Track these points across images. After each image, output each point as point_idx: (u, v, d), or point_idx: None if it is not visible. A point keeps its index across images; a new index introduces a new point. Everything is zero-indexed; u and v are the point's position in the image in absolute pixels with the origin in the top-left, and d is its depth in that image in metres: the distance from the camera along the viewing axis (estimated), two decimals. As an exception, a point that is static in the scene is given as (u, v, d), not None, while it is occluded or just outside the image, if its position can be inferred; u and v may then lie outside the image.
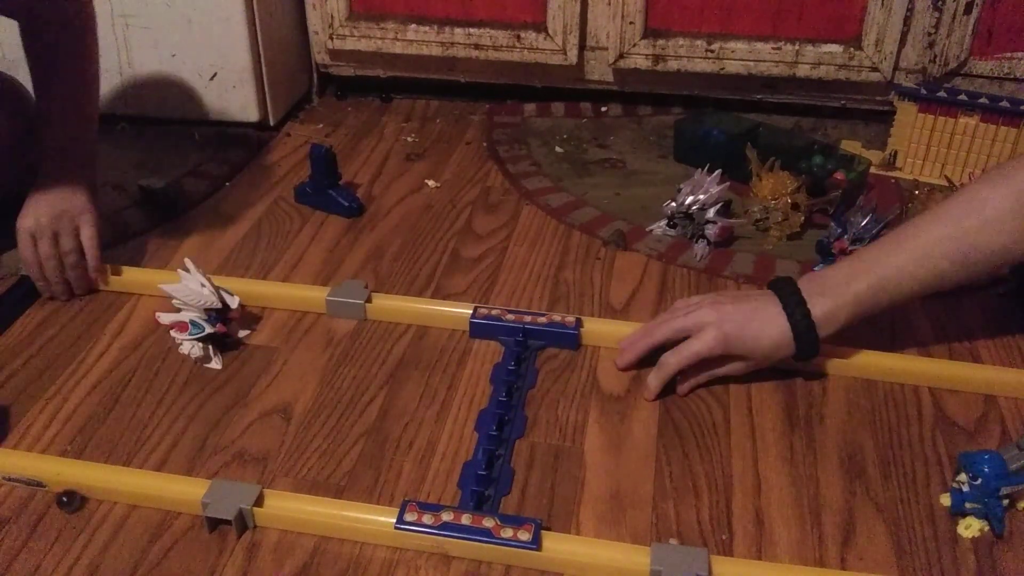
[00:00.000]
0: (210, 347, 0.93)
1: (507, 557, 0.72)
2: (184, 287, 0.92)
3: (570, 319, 0.96)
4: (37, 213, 0.99)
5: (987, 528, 0.74)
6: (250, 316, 0.99)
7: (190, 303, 0.92)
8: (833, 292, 0.84)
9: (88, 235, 1.00)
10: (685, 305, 0.89)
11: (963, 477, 0.75)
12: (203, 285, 0.92)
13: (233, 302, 0.94)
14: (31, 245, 0.99)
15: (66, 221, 0.99)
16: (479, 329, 0.96)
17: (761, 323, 0.85)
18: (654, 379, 0.88)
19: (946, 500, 0.77)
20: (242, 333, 0.96)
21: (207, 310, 0.92)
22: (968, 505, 0.75)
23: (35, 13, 1.03)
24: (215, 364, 0.92)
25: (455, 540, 0.72)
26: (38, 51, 1.04)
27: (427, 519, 0.72)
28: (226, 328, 0.93)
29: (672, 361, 0.87)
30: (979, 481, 0.73)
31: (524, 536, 0.71)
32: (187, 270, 0.93)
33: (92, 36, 1.07)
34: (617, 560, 0.71)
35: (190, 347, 0.92)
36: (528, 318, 0.96)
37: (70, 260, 1.00)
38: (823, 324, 0.84)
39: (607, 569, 0.71)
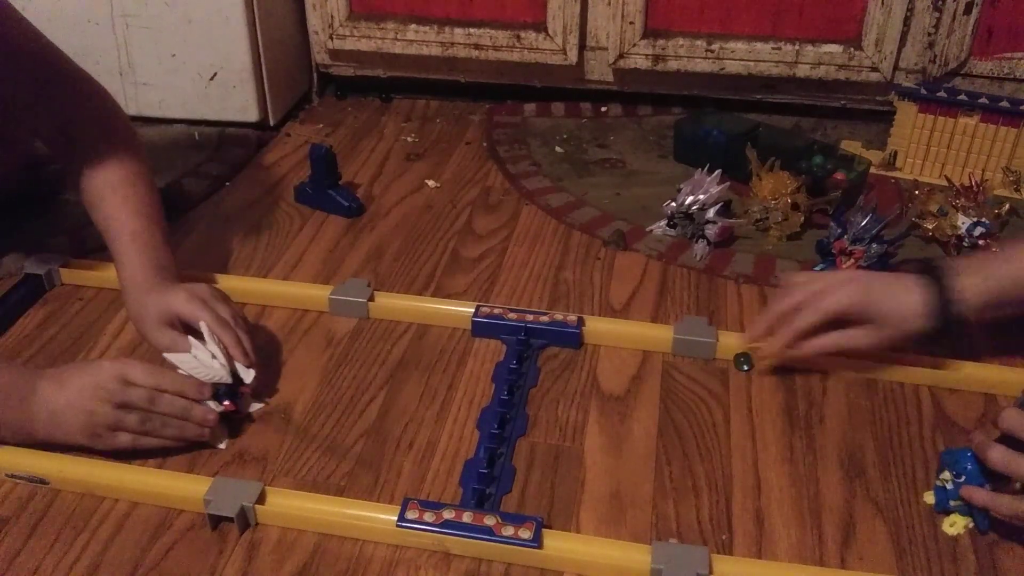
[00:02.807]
0: (217, 427, 0.83)
1: (508, 555, 0.72)
2: (192, 359, 0.83)
3: (572, 318, 0.96)
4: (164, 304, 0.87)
5: (971, 525, 0.74)
6: (262, 389, 0.88)
7: (198, 377, 0.82)
8: (970, 271, 0.83)
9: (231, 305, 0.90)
10: (809, 278, 0.88)
11: (947, 475, 0.75)
12: (214, 357, 0.83)
13: (248, 376, 0.85)
14: (180, 340, 0.85)
15: (206, 306, 0.87)
16: (481, 328, 0.96)
17: (901, 286, 0.84)
18: (782, 336, 0.86)
19: (930, 498, 0.77)
20: (254, 407, 0.87)
21: (215, 384, 0.82)
22: (952, 503, 0.75)
23: (67, 135, 0.96)
24: (221, 446, 0.83)
25: (456, 538, 0.72)
26: (85, 176, 0.94)
27: (428, 517, 0.72)
28: (236, 405, 0.83)
29: (807, 315, 0.84)
30: (962, 479, 0.73)
31: (525, 534, 0.71)
32: (201, 335, 0.84)
33: (134, 138, 0.99)
34: (618, 558, 0.71)
35: None
36: (530, 317, 0.96)
37: (230, 327, 0.86)
38: (963, 297, 0.82)
39: (608, 567, 0.71)
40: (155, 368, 0.81)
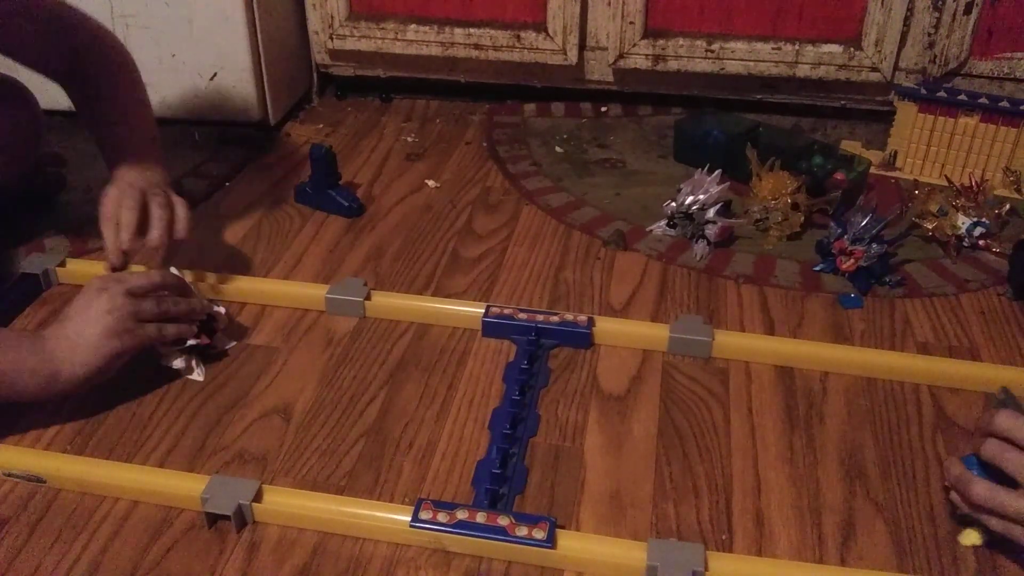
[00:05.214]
0: (192, 359, 0.90)
1: (522, 555, 0.72)
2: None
3: (582, 318, 0.95)
4: (128, 182, 0.94)
5: (986, 538, 0.73)
6: (237, 327, 0.98)
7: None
8: None
9: (180, 201, 0.96)
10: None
11: None
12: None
13: (219, 313, 0.93)
14: (115, 202, 0.92)
15: (158, 189, 0.95)
16: (492, 328, 0.96)
17: None
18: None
19: (967, 539, 0.74)
20: (228, 344, 0.94)
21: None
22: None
23: (78, 71, 1.03)
24: (197, 376, 0.90)
25: (469, 538, 0.72)
26: (85, 98, 1.04)
27: (442, 517, 0.72)
28: (210, 340, 0.91)
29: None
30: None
31: (539, 534, 0.71)
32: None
33: (133, 69, 1.07)
34: (613, 556, 0.71)
35: (172, 359, 0.90)
36: (540, 317, 0.95)
37: (158, 200, 0.92)
38: None
39: (604, 565, 0.71)
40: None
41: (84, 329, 0.82)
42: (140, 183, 0.94)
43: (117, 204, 0.92)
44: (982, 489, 0.69)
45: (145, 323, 0.85)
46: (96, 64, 1.04)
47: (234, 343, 0.95)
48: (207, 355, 0.92)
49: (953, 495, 0.74)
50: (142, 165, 0.98)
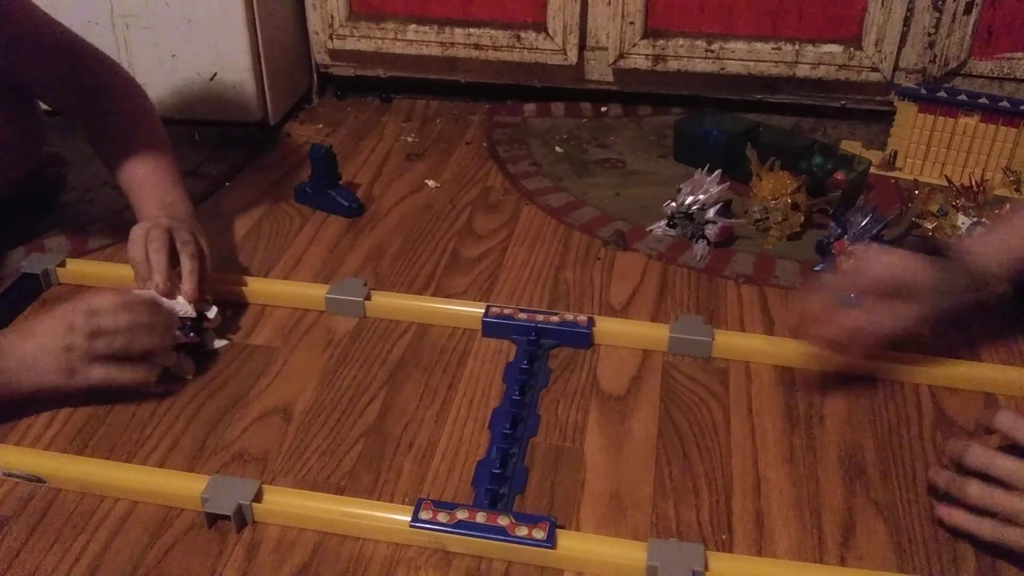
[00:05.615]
0: (180, 356, 0.90)
1: (522, 555, 0.72)
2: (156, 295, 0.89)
3: (582, 318, 0.95)
4: (154, 218, 0.94)
5: None
6: (237, 327, 0.98)
7: None
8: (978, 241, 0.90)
9: (204, 242, 0.95)
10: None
11: None
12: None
13: (211, 312, 0.93)
14: (142, 242, 0.91)
15: (183, 227, 0.94)
16: (492, 328, 0.96)
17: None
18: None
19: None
20: (219, 343, 0.94)
21: (180, 319, 0.89)
22: None
23: (95, 107, 1.04)
24: (186, 375, 0.90)
25: (469, 538, 0.72)
26: (105, 138, 1.05)
27: (442, 517, 0.72)
28: (199, 338, 0.92)
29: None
30: None
31: (539, 534, 0.71)
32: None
33: (150, 106, 1.08)
34: (613, 556, 0.71)
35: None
36: (540, 317, 0.96)
37: (188, 250, 0.91)
38: (972, 252, 0.85)
39: (604, 565, 0.71)
40: (116, 290, 0.88)
41: (40, 357, 0.82)
42: (164, 220, 0.93)
43: (143, 246, 0.91)
44: (977, 488, 0.70)
45: (96, 365, 0.83)
46: (112, 100, 1.04)
47: (225, 343, 0.95)
48: (196, 354, 0.92)
49: (942, 509, 0.74)
50: (165, 201, 0.97)
